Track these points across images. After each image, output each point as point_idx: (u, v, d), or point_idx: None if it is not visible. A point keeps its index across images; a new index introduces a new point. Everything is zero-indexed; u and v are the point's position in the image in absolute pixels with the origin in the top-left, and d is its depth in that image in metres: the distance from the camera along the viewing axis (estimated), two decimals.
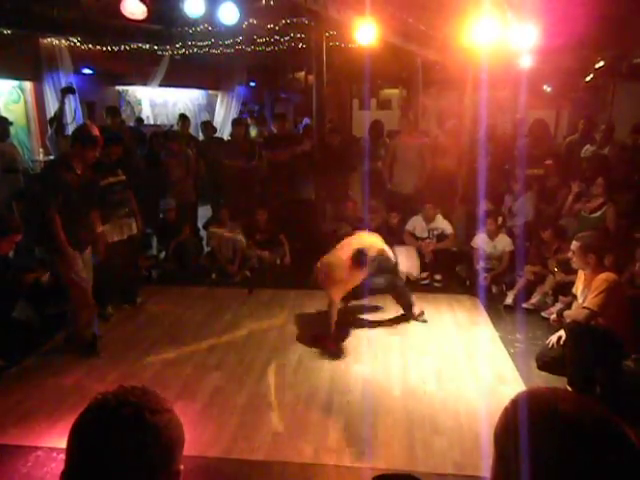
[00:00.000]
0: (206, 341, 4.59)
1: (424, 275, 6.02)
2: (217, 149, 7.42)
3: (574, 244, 3.82)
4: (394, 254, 5.03)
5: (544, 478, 0.79)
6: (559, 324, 4.14)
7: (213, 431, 3.30)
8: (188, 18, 5.65)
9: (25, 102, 8.75)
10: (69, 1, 6.69)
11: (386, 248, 4.83)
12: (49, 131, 7.65)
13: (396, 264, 5.08)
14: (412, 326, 4.90)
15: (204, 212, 7.39)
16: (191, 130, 10.20)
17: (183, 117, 7.63)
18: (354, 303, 5.05)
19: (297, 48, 9.48)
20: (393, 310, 5.18)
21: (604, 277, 3.63)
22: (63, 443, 0.93)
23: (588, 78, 10.47)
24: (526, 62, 8.46)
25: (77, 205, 4.15)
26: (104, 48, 9.07)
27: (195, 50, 9.61)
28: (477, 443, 3.14)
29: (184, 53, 9.84)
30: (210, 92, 13.52)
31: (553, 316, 4.40)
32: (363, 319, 5.00)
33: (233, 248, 6.28)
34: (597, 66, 9.64)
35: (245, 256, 6.31)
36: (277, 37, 8.90)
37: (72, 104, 7.90)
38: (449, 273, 6.06)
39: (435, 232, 6.14)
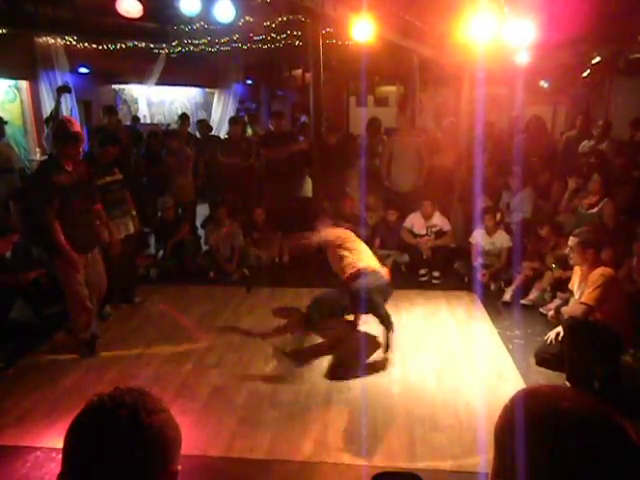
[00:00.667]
0: (205, 340, 4.59)
1: (423, 272, 6.02)
2: (214, 147, 7.41)
3: (572, 240, 3.82)
4: None
5: (545, 475, 0.78)
6: (557, 320, 4.14)
7: (212, 430, 3.29)
8: (184, 16, 5.64)
9: (21, 101, 8.71)
10: (64, 0, 6.66)
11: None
12: (45, 130, 7.62)
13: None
14: (410, 323, 4.90)
15: (202, 211, 7.38)
16: (189, 129, 10.20)
17: (183, 116, 7.63)
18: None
19: (294, 46, 9.45)
20: (392, 308, 5.18)
21: (600, 272, 3.63)
22: (62, 443, 0.93)
23: (585, 74, 10.46)
24: (523, 58, 8.44)
25: (75, 204, 4.09)
26: (100, 47, 9.02)
27: (191, 48, 9.57)
28: (476, 440, 3.14)
29: (180, 51, 9.80)
30: (207, 90, 13.47)
31: (551, 312, 4.40)
32: (361, 317, 4.99)
33: (231, 246, 6.28)
34: (594, 62, 9.62)
35: (243, 254, 6.30)
36: (273, 35, 8.87)
37: (68, 103, 7.87)
38: (447, 270, 6.06)
39: (433, 229, 6.15)
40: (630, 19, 7.28)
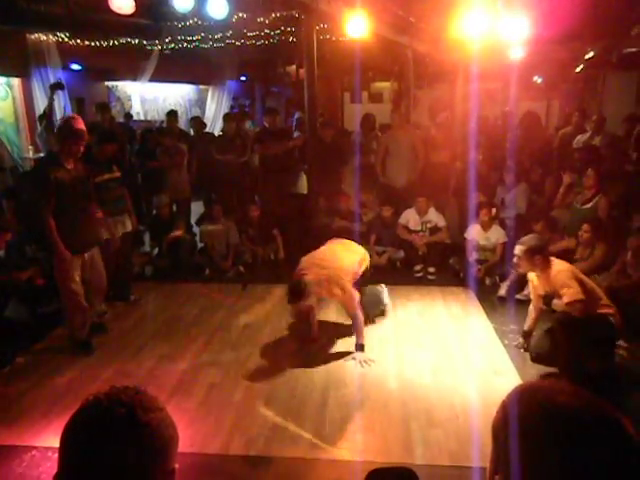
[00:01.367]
0: (200, 337, 4.58)
1: (418, 268, 6.03)
2: (208, 144, 7.38)
3: (519, 249, 3.89)
4: None
5: (543, 470, 0.78)
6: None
7: (209, 428, 3.29)
8: (177, 12, 5.59)
9: (13, 99, 8.65)
10: None
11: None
12: (38, 128, 7.57)
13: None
14: (406, 319, 4.91)
15: (196, 208, 7.36)
16: (182, 126, 10.13)
17: (171, 113, 7.57)
18: None
19: (288, 42, 9.43)
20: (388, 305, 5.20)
21: (562, 269, 3.74)
22: (58, 442, 0.93)
23: (578, 69, 10.49)
24: (517, 54, 8.46)
25: (73, 202, 4.08)
26: (92, 43, 8.97)
27: (185, 45, 9.53)
28: (473, 434, 3.15)
29: (174, 48, 9.76)
30: (201, 87, 13.43)
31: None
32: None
33: (226, 244, 6.27)
34: (587, 57, 9.65)
35: (238, 252, 6.29)
36: (267, 31, 8.84)
37: (61, 100, 7.83)
38: (443, 265, 6.07)
39: (428, 225, 6.16)
40: (623, 15, 7.30)
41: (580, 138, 6.84)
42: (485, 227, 5.77)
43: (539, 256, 3.80)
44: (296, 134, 7.77)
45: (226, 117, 7.70)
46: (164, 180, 6.74)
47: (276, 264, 6.34)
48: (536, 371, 3.91)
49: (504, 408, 0.87)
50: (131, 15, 5.06)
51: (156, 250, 6.46)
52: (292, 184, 7.13)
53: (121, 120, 9.69)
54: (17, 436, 3.22)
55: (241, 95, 14.07)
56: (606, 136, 6.64)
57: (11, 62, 8.25)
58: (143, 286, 5.72)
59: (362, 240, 6.12)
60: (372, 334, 4.51)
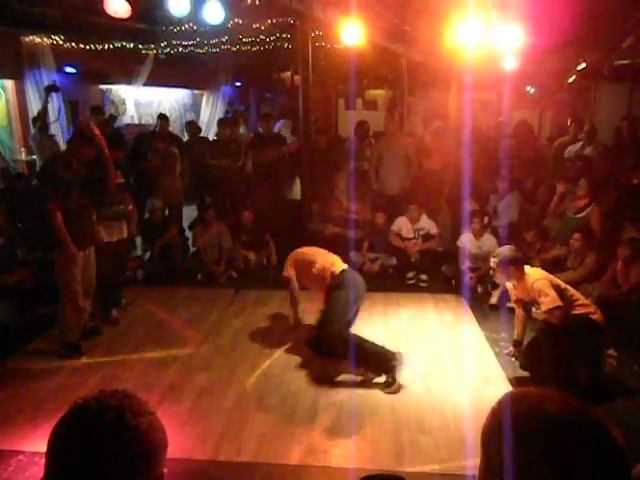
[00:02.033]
0: (191, 342, 4.56)
1: (410, 275, 6.04)
2: (202, 149, 7.37)
3: (493, 261, 3.96)
4: None
5: (531, 477, 0.79)
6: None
7: (199, 433, 3.27)
8: (173, 17, 5.60)
9: (6, 101, 8.61)
10: None
11: None
12: (32, 130, 7.54)
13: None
14: (398, 326, 4.91)
15: (190, 212, 7.34)
16: (177, 130, 10.10)
17: (162, 117, 7.55)
18: None
19: (283, 48, 9.45)
20: (380, 311, 5.21)
21: (538, 277, 3.79)
22: (45, 447, 0.92)
23: (570, 80, 10.59)
24: (510, 63, 8.53)
25: (77, 201, 4.13)
26: (87, 47, 8.95)
27: (180, 49, 9.53)
28: (463, 442, 3.16)
29: (169, 52, 9.76)
30: (195, 92, 13.43)
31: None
32: None
33: (219, 248, 6.25)
34: (579, 68, 9.75)
35: (231, 257, 6.28)
36: (263, 37, 8.86)
37: (55, 103, 7.80)
38: (435, 273, 6.09)
39: (421, 232, 6.17)
40: (615, 26, 7.39)
41: (572, 148, 6.90)
42: (477, 235, 5.79)
43: (513, 267, 3.87)
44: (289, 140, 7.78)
45: (221, 122, 7.70)
46: (156, 184, 6.72)
47: (268, 269, 6.33)
48: (527, 379, 3.92)
49: (493, 415, 0.87)
50: (127, 19, 5.04)
51: (148, 254, 6.44)
52: (286, 190, 7.13)
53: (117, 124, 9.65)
54: (3, 440, 3.18)
55: (236, 101, 14.08)
56: (597, 146, 6.70)
57: (5, 64, 8.21)
58: (134, 290, 5.68)
59: (355, 246, 6.16)
60: None
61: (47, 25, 7.43)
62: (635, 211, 5.26)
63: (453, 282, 5.87)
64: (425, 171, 6.69)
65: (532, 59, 8.76)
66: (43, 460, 0.91)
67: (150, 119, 11.96)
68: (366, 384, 3.84)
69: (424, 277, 6.01)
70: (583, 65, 9.54)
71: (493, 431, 0.86)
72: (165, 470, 0.96)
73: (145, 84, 10.72)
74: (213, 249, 6.24)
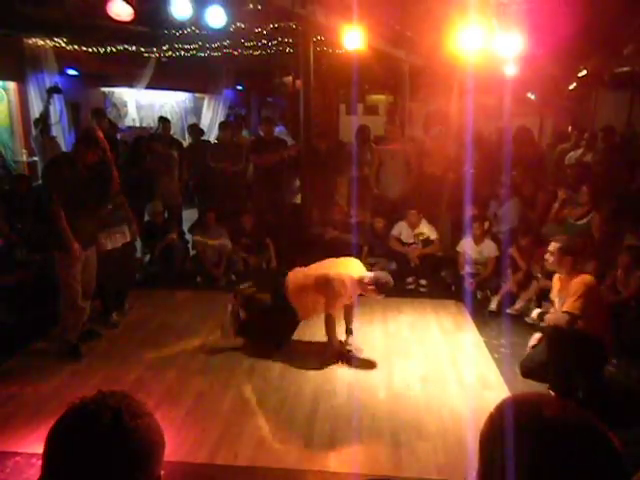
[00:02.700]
0: (190, 345, 4.56)
1: (410, 280, 6.04)
2: (204, 152, 7.38)
3: (553, 245, 3.86)
4: None
5: None
6: (539, 324, 4.17)
7: (196, 436, 3.26)
8: (175, 20, 5.62)
9: (9, 102, 8.63)
10: (54, 2, 6.62)
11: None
12: (33, 132, 7.56)
13: None
14: (397, 331, 4.90)
15: (190, 215, 7.35)
16: (177, 133, 10.09)
17: (163, 120, 7.56)
18: None
19: (285, 53, 9.48)
20: (379, 316, 5.20)
21: (582, 280, 3.66)
22: (43, 448, 0.91)
23: (571, 86, 10.62)
24: (511, 70, 8.55)
25: (82, 200, 4.14)
26: (90, 49, 8.98)
27: (182, 53, 9.56)
28: (461, 448, 3.15)
29: (171, 56, 9.79)
30: (197, 95, 13.46)
31: (534, 314, 4.36)
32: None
33: (219, 252, 6.25)
34: (580, 75, 9.78)
35: (231, 260, 6.27)
36: (265, 41, 8.89)
37: (57, 105, 7.82)
38: (434, 278, 6.09)
39: (421, 237, 6.17)
40: (615, 34, 7.41)
41: (572, 155, 6.91)
42: (477, 240, 5.79)
43: (570, 258, 3.75)
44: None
45: (222, 125, 7.71)
46: (154, 187, 6.71)
47: (268, 273, 6.33)
48: (526, 385, 3.92)
49: (491, 420, 0.87)
50: (129, 22, 5.06)
51: (147, 257, 6.44)
52: (286, 193, 7.14)
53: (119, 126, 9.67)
54: (0, 442, 3.17)
55: (237, 104, 14.12)
56: (598, 153, 6.71)
57: (7, 66, 8.24)
58: (134, 293, 5.66)
59: (356, 251, 6.16)
60: (362, 345, 4.50)
61: (50, 27, 7.45)
62: (635, 219, 5.26)
63: (453, 287, 5.87)
64: (425, 176, 6.69)
65: (533, 66, 8.79)
66: (40, 461, 0.91)
67: (151, 122, 12.00)
68: (364, 387, 3.84)
69: (424, 282, 6.01)
70: (584, 72, 9.57)
71: (491, 436, 0.86)
72: (162, 472, 0.96)
73: (147, 87, 10.74)
74: (213, 252, 6.24)
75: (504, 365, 4.20)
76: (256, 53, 9.67)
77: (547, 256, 3.93)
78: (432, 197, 6.60)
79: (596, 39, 7.42)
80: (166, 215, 6.77)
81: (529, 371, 4.03)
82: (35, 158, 7.82)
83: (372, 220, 6.49)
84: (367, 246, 6.35)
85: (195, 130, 8.12)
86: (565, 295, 3.77)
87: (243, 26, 7.49)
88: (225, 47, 9.24)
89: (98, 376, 3.99)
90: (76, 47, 8.78)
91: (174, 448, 3.07)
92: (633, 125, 9.07)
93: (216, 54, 9.70)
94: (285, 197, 7.12)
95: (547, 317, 3.93)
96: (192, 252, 6.53)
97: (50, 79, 8.46)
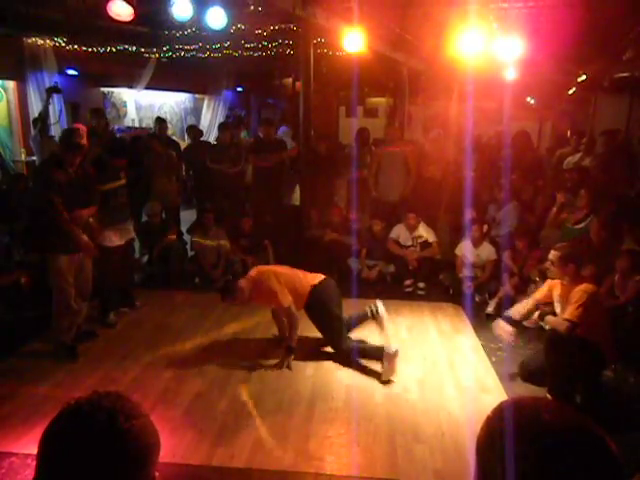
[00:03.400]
0: (187, 346, 4.55)
1: (408, 283, 6.03)
2: (203, 153, 7.38)
3: (553, 254, 3.85)
4: None
5: None
6: (536, 324, 4.17)
7: (193, 438, 3.25)
8: (176, 21, 5.61)
9: (8, 102, 8.62)
10: (54, 1, 6.62)
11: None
12: (32, 131, 7.54)
13: None
14: (395, 333, 4.89)
15: (188, 216, 7.34)
16: (177, 134, 10.08)
17: (160, 120, 7.55)
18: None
19: (285, 54, 9.49)
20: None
21: (584, 288, 3.65)
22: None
23: (571, 91, 10.64)
24: (511, 74, 8.57)
25: (69, 203, 4.10)
26: (89, 49, 8.98)
27: (182, 54, 9.57)
28: (458, 451, 3.14)
29: (171, 56, 9.79)
30: (197, 96, 13.47)
31: (536, 314, 4.32)
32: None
33: (217, 253, 6.24)
34: (579, 79, 9.80)
35: (229, 261, 6.27)
36: (265, 43, 8.90)
37: (56, 105, 7.80)
38: (433, 281, 6.09)
39: (419, 240, 6.17)
40: (615, 39, 7.43)
41: (571, 159, 6.92)
42: (476, 244, 5.79)
43: (572, 265, 3.74)
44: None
45: (221, 126, 7.71)
46: (151, 187, 6.69)
47: None
48: (523, 389, 3.91)
49: (488, 424, 0.87)
50: (129, 22, 5.06)
51: (145, 257, 6.42)
52: (285, 195, 7.13)
53: (116, 126, 9.67)
54: None
55: (237, 106, 14.13)
56: (596, 158, 6.72)
57: (7, 65, 8.23)
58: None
59: (356, 253, 6.17)
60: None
61: (49, 27, 7.45)
62: (633, 223, 5.26)
63: (451, 290, 5.87)
64: (424, 179, 6.70)
65: (532, 70, 8.81)
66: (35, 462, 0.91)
67: (151, 122, 11.98)
68: (362, 390, 3.83)
69: (422, 285, 6.01)
70: (583, 77, 9.59)
71: (488, 440, 0.86)
72: (157, 473, 0.95)
73: (146, 87, 10.75)
74: (211, 253, 6.23)
75: (502, 368, 4.20)
76: (256, 55, 9.68)
77: (548, 265, 3.92)
78: (431, 200, 6.60)
79: (596, 44, 7.44)
80: (164, 216, 6.76)
81: (529, 374, 4.02)
82: (34, 158, 7.80)
83: (370, 222, 6.49)
84: (365, 248, 6.35)
85: (194, 131, 8.13)
86: (566, 301, 3.77)
87: (243, 27, 7.50)
88: (225, 48, 9.24)
89: (95, 376, 3.98)
90: (76, 47, 8.78)
91: (170, 449, 3.06)
92: (631, 130, 9.09)
93: (216, 55, 9.71)
94: (284, 199, 7.12)
95: (548, 318, 3.91)
96: (190, 253, 6.53)
97: (49, 79, 8.45)
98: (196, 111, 13.47)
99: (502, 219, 6.27)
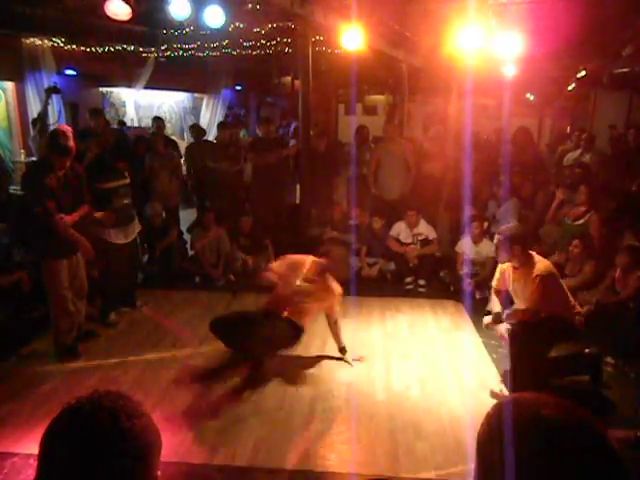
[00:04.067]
0: (188, 345, 4.55)
1: (409, 280, 6.03)
2: (202, 152, 7.37)
3: (497, 238, 3.77)
4: None
5: None
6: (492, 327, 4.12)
7: (195, 437, 3.26)
8: (174, 20, 5.61)
9: (6, 103, 8.61)
10: (52, 1, 6.60)
11: None
12: (31, 132, 7.53)
13: None
14: (396, 331, 4.90)
15: (188, 215, 7.34)
16: (176, 133, 10.06)
17: (157, 119, 7.53)
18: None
19: (283, 53, 9.47)
20: (377, 316, 5.20)
21: (537, 272, 3.61)
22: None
23: (570, 87, 10.63)
24: (510, 70, 8.56)
25: (63, 207, 4.07)
26: (88, 49, 8.97)
27: (181, 53, 9.55)
28: (460, 448, 3.14)
29: (169, 55, 9.78)
30: (196, 95, 13.46)
31: (486, 320, 4.18)
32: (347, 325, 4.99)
33: (217, 252, 6.24)
34: (579, 76, 9.79)
35: (229, 260, 6.27)
36: (263, 41, 8.88)
37: (55, 105, 7.80)
38: (433, 278, 6.08)
39: (419, 237, 6.17)
40: (614, 35, 7.42)
41: (570, 156, 6.93)
42: (476, 241, 5.79)
43: (518, 246, 3.68)
44: (292, 142, 7.78)
45: (221, 125, 7.70)
46: (152, 187, 6.68)
47: None
48: None
49: (488, 420, 0.87)
50: (127, 21, 5.06)
51: (146, 257, 6.42)
52: (285, 194, 7.13)
53: (115, 127, 9.66)
54: None
55: (236, 104, 14.11)
56: (596, 154, 6.72)
57: (5, 66, 8.22)
58: None
59: (355, 251, 6.16)
60: (360, 345, 4.50)
61: (48, 27, 7.43)
62: (634, 219, 5.26)
63: (451, 287, 5.87)
64: (424, 176, 6.69)
65: (532, 66, 8.80)
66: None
67: (150, 122, 11.98)
68: (363, 388, 3.84)
69: (422, 282, 6.01)
70: (583, 73, 9.58)
71: (489, 437, 0.85)
72: (159, 473, 0.95)
73: (145, 87, 10.74)
74: (212, 252, 6.23)
75: (502, 365, 4.20)
76: (255, 53, 9.67)
77: (493, 250, 3.85)
78: (431, 197, 6.60)
79: (595, 40, 7.43)
80: (164, 215, 6.75)
81: (517, 387, 3.99)
82: (33, 158, 7.80)
83: (370, 220, 6.49)
84: (365, 246, 6.34)
85: (196, 129, 8.08)
86: (522, 287, 3.73)
87: (242, 26, 7.48)
88: (224, 47, 9.23)
89: (96, 376, 3.98)
90: (74, 47, 8.76)
91: (172, 448, 3.06)
92: (631, 126, 9.08)
93: (215, 54, 9.69)
94: (284, 197, 7.11)
95: (508, 315, 3.88)
96: (190, 252, 6.52)
97: (48, 79, 8.44)
98: (195, 110, 13.45)
99: (502, 216, 6.26)
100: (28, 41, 8.24)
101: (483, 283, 5.66)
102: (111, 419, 0.89)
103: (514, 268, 3.85)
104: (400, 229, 6.22)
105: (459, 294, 5.62)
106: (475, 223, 5.78)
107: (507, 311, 3.95)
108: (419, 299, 5.71)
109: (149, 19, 6.58)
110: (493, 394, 3.68)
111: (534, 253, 3.84)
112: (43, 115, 6.84)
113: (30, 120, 7.99)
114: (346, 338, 4.58)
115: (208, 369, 4.14)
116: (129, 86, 10.74)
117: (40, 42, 8.34)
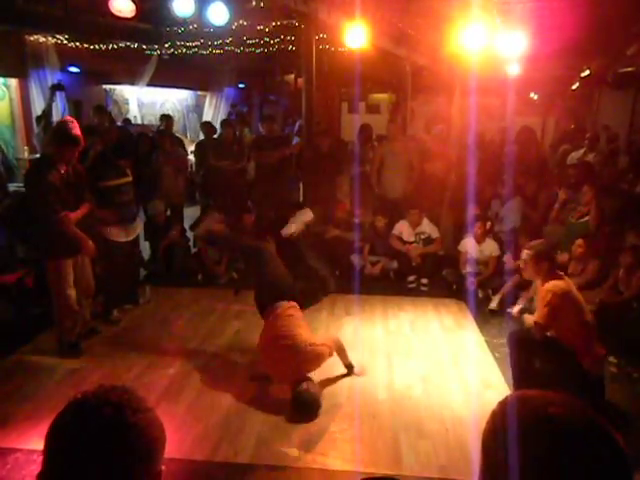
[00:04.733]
0: (191, 342, 4.55)
1: (411, 279, 6.03)
2: (205, 150, 7.37)
3: (526, 253, 3.69)
4: None
5: None
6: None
7: (197, 433, 3.26)
8: (177, 17, 5.62)
9: (10, 100, 8.63)
10: None
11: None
12: (35, 129, 7.55)
13: None
14: (398, 330, 4.90)
15: (192, 212, 7.34)
16: (179, 130, 10.06)
17: (166, 117, 7.51)
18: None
19: (287, 50, 9.48)
20: (380, 314, 5.20)
21: (549, 288, 3.51)
22: (43, 444, 0.91)
23: (574, 86, 10.61)
24: (514, 69, 8.54)
25: (64, 204, 4.03)
26: (91, 46, 8.98)
27: (184, 50, 9.56)
28: (462, 447, 3.14)
29: (173, 53, 9.79)
30: (199, 93, 13.46)
31: (515, 309, 4.37)
32: (349, 323, 4.99)
33: (219, 250, 6.23)
34: (583, 75, 9.77)
35: (232, 257, 6.26)
36: (267, 39, 8.89)
37: (59, 102, 7.81)
38: (436, 277, 6.08)
39: (422, 236, 6.17)
40: (618, 34, 7.40)
41: (574, 155, 6.91)
42: (479, 240, 5.78)
43: (546, 263, 3.61)
44: (296, 140, 7.79)
45: (224, 123, 7.70)
46: (158, 186, 6.68)
47: None
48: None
49: (494, 418, 0.86)
50: (131, 19, 5.07)
51: (149, 254, 6.42)
52: (288, 191, 7.13)
53: (119, 124, 9.67)
54: (1, 438, 3.17)
55: (239, 102, 14.11)
56: (599, 153, 6.70)
57: (9, 63, 8.24)
58: None
59: (358, 249, 6.17)
60: (363, 343, 4.49)
61: (51, 24, 7.44)
62: (637, 218, 5.25)
63: (454, 286, 5.85)
64: (427, 175, 6.68)
65: (536, 65, 8.78)
66: (40, 458, 0.91)
67: (153, 119, 12.00)
68: (365, 386, 3.84)
69: (425, 281, 6.00)
70: (587, 72, 9.56)
71: (493, 434, 0.85)
72: (163, 467, 0.95)
73: (148, 84, 10.74)
74: (214, 250, 6.23)
75: (505, 364, 4.19)
76: (258, 51, 9.68)
77: (522, 265, 3.78)
78: (434, 196, 6.59)
79: (599, 39, 7.41)
80: (168, 213, 6.75)
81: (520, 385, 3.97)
82: (37, 155, 7.82)
83: (373, 219, 6.48)
84: (368, 245, 6.34)
85: (206, 127, 8.03)
86: (538, 300, 3.70)
87: (245, 24, 7.49)
88: (227, 45, 9.24)
89: (98, 373, 3.98)
90: (78, 44, 8.78)
91: (174, 445, 3.06)
92: (635, 125, 9.07)
93: (218, 52, 9.70)
94: (286, 195, 7.11)
95: (525, 317, 3.89)
96: (193, 250, 6.53)
97: (52, 76, 8.46)
98: (198, 108, 13.46)
99: (505, 215, 6.25)
100: (32, 38, 8.26)
101: (486, 282, 5.67)
102: (117, 413, 0.89)
103: (537, 283, 3.83)
104: (403, 228, 6.21)
105: (462, 293, 5.61)
106: (478, 223, 5.77)
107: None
108: (422, 298, 5.71)
109: (153, 16, 6.59)
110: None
111: (562, 273, 3.74)
112: (47, 112, 6.85)
113: (34, 117, 8.01)
114: (348, 336, 4.59)
115: (211, 366, 4.14)
116: (132, 83, 10.74)
117: (44, 39, 8.36)
